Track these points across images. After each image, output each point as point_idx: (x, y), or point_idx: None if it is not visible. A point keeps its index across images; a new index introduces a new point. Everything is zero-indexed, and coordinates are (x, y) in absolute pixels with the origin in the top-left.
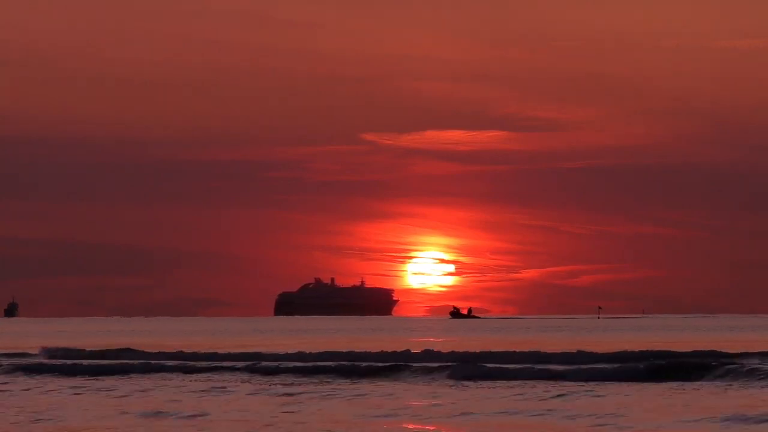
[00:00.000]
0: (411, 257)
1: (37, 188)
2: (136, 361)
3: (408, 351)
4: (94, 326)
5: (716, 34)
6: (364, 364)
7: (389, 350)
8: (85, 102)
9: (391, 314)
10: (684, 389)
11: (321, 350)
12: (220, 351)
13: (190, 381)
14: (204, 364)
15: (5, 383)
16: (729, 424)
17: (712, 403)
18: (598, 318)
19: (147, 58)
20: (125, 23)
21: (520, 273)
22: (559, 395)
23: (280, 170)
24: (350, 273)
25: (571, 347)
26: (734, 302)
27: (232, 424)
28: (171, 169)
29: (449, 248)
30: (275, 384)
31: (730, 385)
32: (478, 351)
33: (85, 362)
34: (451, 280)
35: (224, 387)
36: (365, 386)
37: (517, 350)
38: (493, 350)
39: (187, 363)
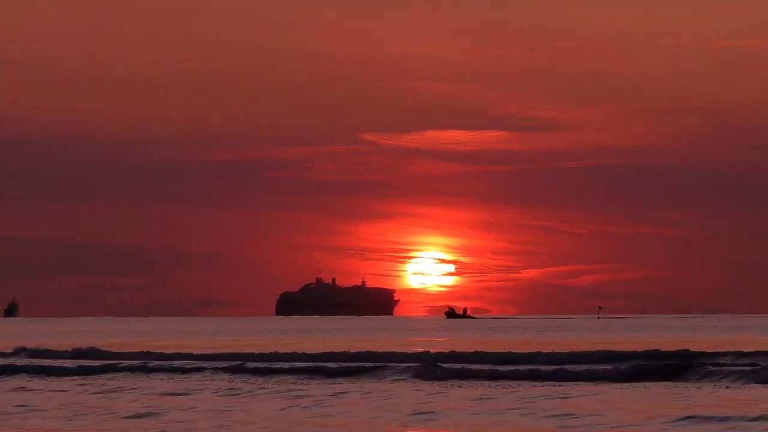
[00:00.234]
0: (411, 257)
1: (37, 188)
2: (95, 362)
3: (373, 352)
4: (86, 326)
5: (716, 34)
6: (329, 365)
7: (360, 351)
8: (85, 102)
9: (392, 314)
10: (648, 389)
11: (291, 351)
12: (183, 351)
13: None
14: (163, 363)
15: None
16: (683, 423)
17: (672, 403)
18: (598, 318)
19: (147, 58)
20: (125, 23)
21: (520, 273)
22: (521, 396)
23: (280, 170)
24: (350, 273)
25: (556, 348)
26: (734, 302)
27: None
28: (171, 169)
29: (449, 248)
30: (234, 382)
31: (700, 386)
32: (447, 351)
33: (45, 362)
34: (451, 280)
35: (137, 387)
36: (311, 387)
37: (488, 350)
38: (460, 351)
39: (147, 363)
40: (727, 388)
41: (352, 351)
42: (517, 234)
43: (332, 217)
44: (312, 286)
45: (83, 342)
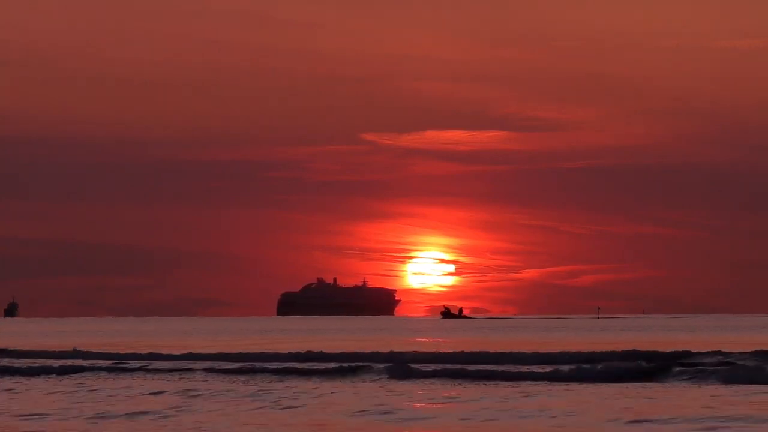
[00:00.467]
0: (411, 257)
1: (37, 188)
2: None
3: (348, 352)
4: (85, 327)
5: (716, 34)
6: (300, 365)
7: (338, 351)
8: (85, 102)
9: (393, 314)
10: (609, 390)
11: (271, 351)
12: (155, 351)
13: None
14: (136, 364)
15: None
16: (633, 425)
17: (627, 405)
18: (598, 318)
19: (147, 58)
20: (125, 23)
21: (520, 273)
22: (484, 395)
23: (280, 170)
24: (350, 273)
25: (538, 348)
26: (734, 302)
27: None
28: (171, 169)
29: (449, 248)
30: (207, 382)
31: (666, 386)
32: (412, 351)
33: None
34: (452, 280)
35: (96, 387)
36: (275, 385)
37: (466, 351)
38: (434, 351)
39: (120, 363)
40: (699, 388)
41: (326, 351)
42: (517, 234)
43: (332, 217)
44: (313, 286)
45: (78, 342)
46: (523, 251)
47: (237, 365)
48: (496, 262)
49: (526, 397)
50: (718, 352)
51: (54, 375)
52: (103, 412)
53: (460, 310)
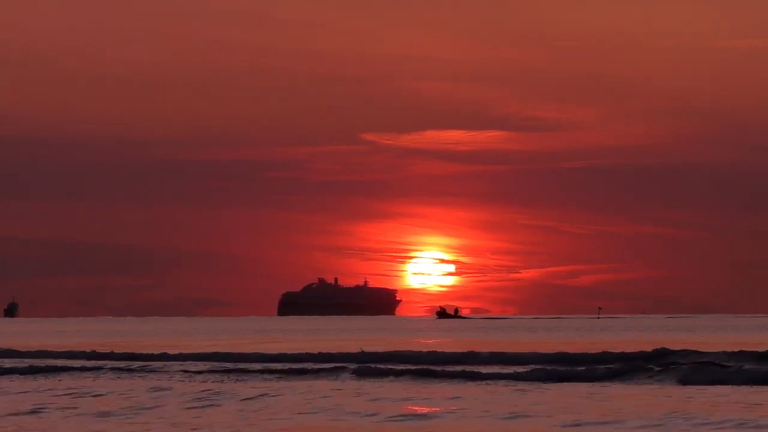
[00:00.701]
0: (411, 257)
1: (37, 188)
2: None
3: (314, 353)
4: (81, 327)
5: (716, 34)
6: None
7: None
8: (85, 102)
9: (394, 314)
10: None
11: (247, 351)
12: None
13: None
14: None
15: None
16: (578, 428)
17: (566, 405)
18: (598, 318)
19: (147, 58)
20: (125, 23)
21: (520, 273)
22: (429, 393)
23: (280, 170)
24: (351, 273)
25: (520, 349)
26: (734, 302)
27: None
28: (171, 169)
29: (449, 248)
30: (172, 380)
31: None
32: (381, 351)
33: None
34: (452, 280)
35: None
36: (238, 386)
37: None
38: (402, 350)
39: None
40: (660, 388)
41: (288, 353)
42: (517, 234)
43: (332, 217)
44: (314, 286)
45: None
46: (523, 251)
47: (201, 366)
48: (496, 262)
49: (475, 398)
50: (695, 352)
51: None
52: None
53: (456, 310)
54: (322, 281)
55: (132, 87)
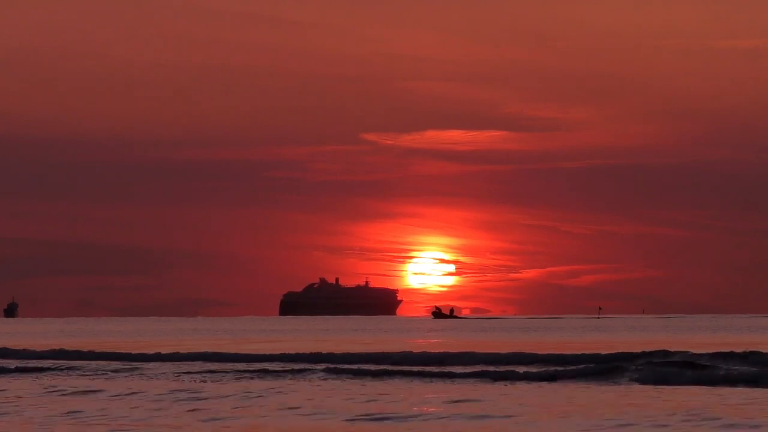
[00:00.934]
0: (411, 257)
1: (37, 188)
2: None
3: (293, 353)
4: (83, 327)
5: (716, 34)
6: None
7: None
8: (85, 102)
9: (395, 314)
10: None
11: (232, 351)
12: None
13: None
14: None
15: None
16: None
17: (524, 403)
18: (598, 318)
19: (147, 58)
20: (126, 23)
21: (520, 273)
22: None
23: (280, 170)
24: (351, 273)
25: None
26: (734, 302)
27: None
28: (171, 168)
29: (449, 248)
30: (151, 380)
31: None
32: (353, 352)
33: None
34: (452, 280)
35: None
36: (206, 386)
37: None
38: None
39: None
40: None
41: (264, 353)
42: (517, 234)
43: (332, 217)
44: (315, 286)
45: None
46: (523, 251)
47: (174, 366)
48: (496, 262)
49: (434, 395)
50: (679, 352)
51: None
52: None
53: (452, 310)
54: (323, 281)
55: (132, 87)
